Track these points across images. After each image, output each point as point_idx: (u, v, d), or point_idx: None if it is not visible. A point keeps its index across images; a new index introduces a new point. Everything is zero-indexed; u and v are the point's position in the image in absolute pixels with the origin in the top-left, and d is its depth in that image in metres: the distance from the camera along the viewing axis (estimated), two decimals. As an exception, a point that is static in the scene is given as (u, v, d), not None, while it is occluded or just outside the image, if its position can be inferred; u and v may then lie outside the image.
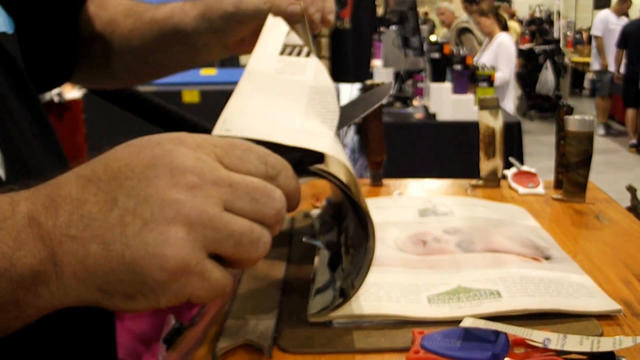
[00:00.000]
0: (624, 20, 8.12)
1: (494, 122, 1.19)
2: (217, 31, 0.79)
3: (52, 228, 0.46)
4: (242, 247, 0.49)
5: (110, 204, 0.46)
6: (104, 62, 0.90)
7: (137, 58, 0.89)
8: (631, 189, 1.30)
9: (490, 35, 5.59)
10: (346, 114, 0.70)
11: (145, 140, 0.50)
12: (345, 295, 0.66)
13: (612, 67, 8.14)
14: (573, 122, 1.08)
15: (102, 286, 0.47)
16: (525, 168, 1.22)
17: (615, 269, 0.81)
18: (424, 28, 5.22)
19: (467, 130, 3.60)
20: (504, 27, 5.59)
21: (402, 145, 3.64)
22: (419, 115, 4.07)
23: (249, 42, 0.79)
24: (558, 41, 11.67)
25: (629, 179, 1.77)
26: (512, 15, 13.58)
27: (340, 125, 0.67)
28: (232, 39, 0.81)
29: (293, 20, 0.75)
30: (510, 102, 5.17)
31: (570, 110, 1.14)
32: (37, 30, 0.80)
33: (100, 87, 1.00)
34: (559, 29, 13.76)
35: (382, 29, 4.73)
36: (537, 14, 15.32)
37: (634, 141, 7.92)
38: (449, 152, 3.77)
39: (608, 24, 8.33)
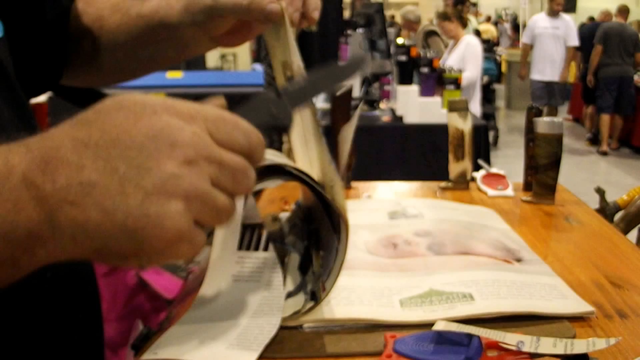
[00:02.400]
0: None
1: (463, 124, 1.19)
2: (200, 24, 0.79)
3: (51, 192, 0.46)
4: (220, 219, 0.52)
5: (111, 172, 0.47)
6: (93, 59, 0.90)
7: (126, 54, 0.89)
8: (600, 191, 1.31)
9: (455, 39, 5.61)
10: (316, 83, 0.68)
11: (140, 105, 0.51)
12: (316, 298, 0.65)
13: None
14: (542, 125, 1.08)
15: (99, 248, 0.48)
16: (494, 170, 1.22)
17: (586, 271, 0.81)
18: (391, 31, 5.23)
19: (434, 133, 3.60)
20: (477, 33, 5.61)
21: (368, 148, 3.63)
22: (386, 118, 4.06)
23: (236, 35, 0.81)
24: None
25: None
26: (488, 19, 13.68)
27: (308, 95, 0.66)
28: (216, 32, 0.80)
29: (272, 19, 0.74)
30: (476, 104, 5.19)
31: (539, 113, 1.14)
32: (27, 34, 0.80)
33: (90, 85, 0.98)
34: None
35: (348, 31, 4.72)
36: (504, 17, 15.44)
37: (589, 135, 8.11)
38: (416, 155, 3.76)
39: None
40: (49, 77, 0.88)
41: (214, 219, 0.52)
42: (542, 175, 1.10)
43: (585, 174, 6.43)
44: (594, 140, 8.06)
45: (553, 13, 7.21)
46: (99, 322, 0.83)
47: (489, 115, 7.34)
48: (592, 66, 7.82)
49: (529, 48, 7.35)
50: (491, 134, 7.51)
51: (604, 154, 7.56)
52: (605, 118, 7.63)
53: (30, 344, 0.66)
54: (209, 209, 0.51)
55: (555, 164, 1.09)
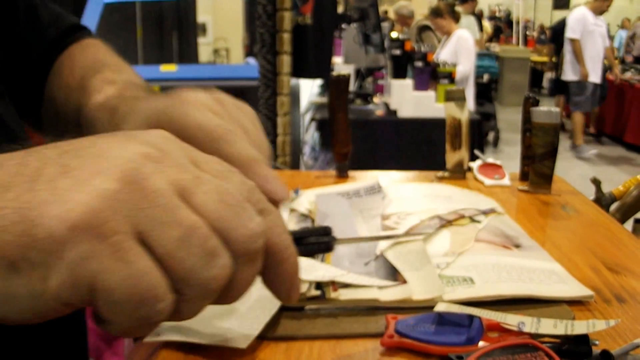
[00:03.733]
0: (602, 20, 7.57)
1: (460, 114, 1.19)
2: None
3: None
4: (188, 250, 0.37)
5: (33, 159, 0.38)
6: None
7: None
8: (595, 182, 1.32)
9: (447, 33, 5.63)
10: None
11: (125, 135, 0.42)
12: (321, 288, 0.65)
13: (593, 77, 7.52)
14: (539, 114, 1.09)
15: None
16: (490, 160, 1.23)
17: (584, 257, 0.82)
18: (385, 25, 5.24)
19: (429, 127, 3.62)
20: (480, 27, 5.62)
21: (363, 142, 3.64)
22: (379, 112, 4.07)
23: None
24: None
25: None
26: (481, 15, 13.71)
27: None
28: None
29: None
30: (470, 98, 5.21)
31: (536, 102, 1.15)
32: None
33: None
34: (518, 30, 13.92)
35: (343, 25, 4.73)
36: (497, 14, 15.50)
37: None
38: (410, 149, 3.78)
39: (587, 24, 7.49)
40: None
41: (175, 243, 0.37)
42: (538, 164, 1.10)
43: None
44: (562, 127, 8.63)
45: (600, 12, 7.34)
46: (83, 329, 0.78)
47: (489, 115, 7.31)
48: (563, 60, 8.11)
49: (580, 45, 7.36)
50: (491, 135, 7.51)
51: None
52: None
53: (14, 353, 0.60)
54: (164, 219, 0.37)
55: (552, 154, 1.09)
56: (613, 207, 1.30)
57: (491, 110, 7.80)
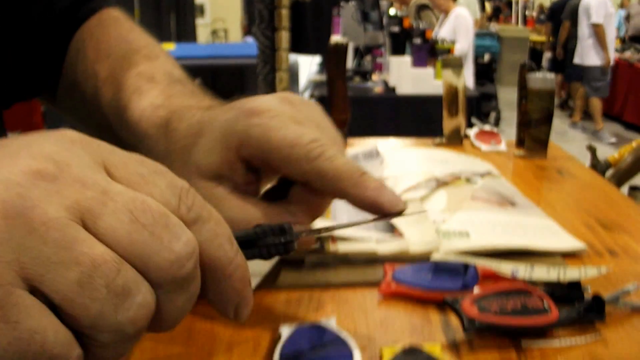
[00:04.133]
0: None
1: (457, 81, 1.21)
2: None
3: None
4: (90, 294, 0.30)
5: None
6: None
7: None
8: (591, 148, 1.33)
9: (445, 12, 5.62)
10: None
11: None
12: (320, 240, 0.67)
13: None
14: (535, 80, 1.10)
15: None
16: (487, 128, 1.24)
17: (578, 216, 0.83)
18: (383, 3, 5.23)
19: (427, 104, 3.62)
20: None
21: (361, 119, 3.65)
22: (378, 89, 4.08)
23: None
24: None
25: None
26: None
27: None
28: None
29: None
30: (469, 77, 5.21)
31: (531, 69, 1.16)
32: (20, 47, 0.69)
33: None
34: (517, 10, 13.88)
35: (341, 3, 4.73)
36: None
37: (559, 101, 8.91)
38: (409, 126, 3.79)
39: (607, 7, 7.37)
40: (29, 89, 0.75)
41: (74, 287, 0.29)
42: (534, 130, 1.11)
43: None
44: (562, 106, 9.06)
45: None
46: None
47: (490, 96, 7.28)
48: (561, 40, 8.47)
49: (604, 30, 7.30)
50: (492, 116, 7.50)
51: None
52: (576, 85, 7.87)
53: None
54: (58, 258, 0.29)
55: (547, 119, 1.11)
56: (608, 173, 1.32)
57: (492, 90, 7.78)
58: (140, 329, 0.32)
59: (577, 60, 7.66)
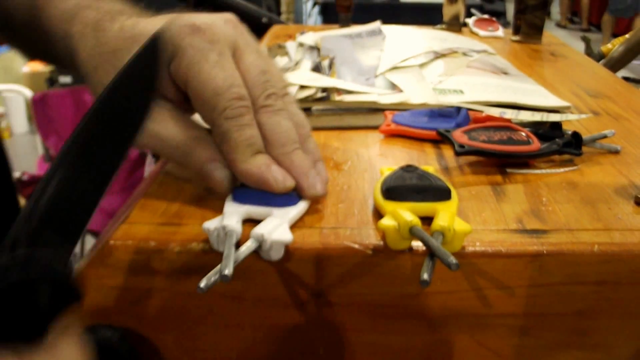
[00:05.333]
0: None
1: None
2: None
3: None
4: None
5: None
6: None
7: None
8: (585, 39, 1.38)
9: None
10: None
11: None
12: (326, 91, 0.73)
13: None
14: (533, -34, 1.14)
15: None
16: (486, 16, 1.29)
17: (566, 86, 0.89)
18: None
19: (430, 13, 3.63)
20: None
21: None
22: (381, -3, 4.08)
23: None
24: None
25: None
26: None
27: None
28: None
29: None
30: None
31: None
32: None
33: None
34: None
35: None
36: None
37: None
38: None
39: None
40: None
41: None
42: (530, 15, 1.16)
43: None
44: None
45: None
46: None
47: (498, 14, 7.15)
48: None
49: None
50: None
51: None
52: None
53: None
54: None
55: (543, 5, 1.16)
56: (601, 63, 1.37)
57: (501, 8, 7.66)
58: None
59: None
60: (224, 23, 0.50)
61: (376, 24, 1.08)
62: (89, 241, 2.57)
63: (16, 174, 2.34)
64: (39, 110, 2.39)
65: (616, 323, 0.48)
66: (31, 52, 0.70)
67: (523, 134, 0.60)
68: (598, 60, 1.36)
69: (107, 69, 0.50)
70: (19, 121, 5.00)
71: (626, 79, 1.38)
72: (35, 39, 0.60)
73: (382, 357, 0.49)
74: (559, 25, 7.90)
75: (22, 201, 2.16)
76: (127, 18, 0.52)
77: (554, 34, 1.26)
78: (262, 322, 0.48)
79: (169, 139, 0.48)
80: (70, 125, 2.30)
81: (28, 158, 4.22)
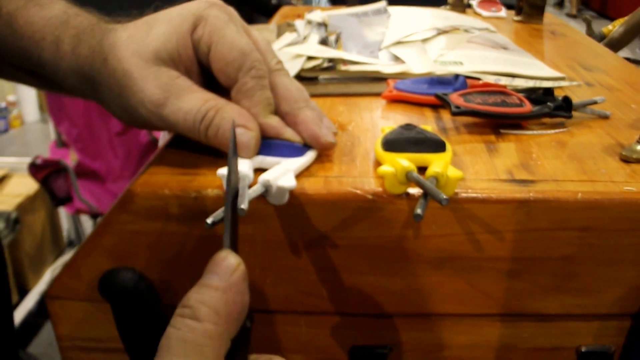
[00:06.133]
0: None
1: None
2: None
3: None
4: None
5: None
6: None
7: None
8: (586, 20, 1.41)
9: None
10: None
11: None
12: (332, 60, 0.77)
13: None
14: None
15: None
16: (490, -3, 1.32)
17: (563, 61, 0.93)
18: None
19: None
20: None
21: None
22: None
23: None
24: None
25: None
26: None
27: None
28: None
29: None
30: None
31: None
32: None
33: None
34: None
35: None
36: None
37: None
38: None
39: None
40: None
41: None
42: (532, -4, 1.20)
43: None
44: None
45: None
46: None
47: None
48: None
49: None
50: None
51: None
52: None
53: None
54: None
55: (544, -15, 1.19)
56: (602, 44, 1.40)
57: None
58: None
59: None
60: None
61: (382, 3, 1.11)
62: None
63: (30, 159, 2.39)
64: (51, 96, 2.43)
65: (600, 269, 0.52)
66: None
67: (516, 97, 0.64)
68: (599, 41, 1.39)
69: (133, 47, 0.52)
70: (31, 109, 5.06)
71: (627, 59, 1.41)
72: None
73: (382, 298, 0.53)
74: (569, 15, 7.89)
75: (36, 185, 2.19)
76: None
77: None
78: (271, 264, 0.52)
79: (193, 110, 0.51)
80: (82, 111, 2.33)
81: (40, 144, 4.28)
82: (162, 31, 0.51)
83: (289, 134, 0.52)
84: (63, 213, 2.78)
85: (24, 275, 2.54)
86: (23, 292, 2.50)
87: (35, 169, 2.37)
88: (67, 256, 2.79)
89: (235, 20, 0.53)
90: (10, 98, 4.90)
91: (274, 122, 0.52)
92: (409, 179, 0.47)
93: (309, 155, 0.52)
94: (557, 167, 0.54)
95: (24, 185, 2.62)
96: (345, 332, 0.55)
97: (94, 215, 2.49)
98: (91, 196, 2.40)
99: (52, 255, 2.77)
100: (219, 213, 0.43)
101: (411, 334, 0.56)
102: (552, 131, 0.63)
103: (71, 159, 2.38)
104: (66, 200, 2.42)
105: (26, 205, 2.55)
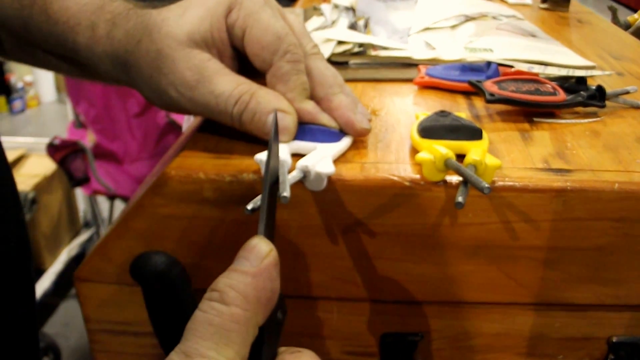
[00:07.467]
0: None
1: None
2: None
3: None
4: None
5: None
6: None
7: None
8: (612, 9, 1.40)
9: None
10: None
11: None
12: (362, 45, 0.76)
13: None
14: None
15: None
16: (515, -15, 1.31)
17: (592, 50, 0.92)
18: None
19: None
20: None
21: None
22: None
23: None
24: None
25: None
26: None
27: None
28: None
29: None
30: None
31: None
32: None
33: None
34: None
35: None
36: None
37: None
38: None
39: None
40: None
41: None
42: (559, -17, 1.19)
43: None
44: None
45: None
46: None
47: None
48: None
49: None
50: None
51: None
52: None
53: None
54: None
55: (571, -27, 1.18)
56: (627, 32, 1.39)
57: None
58: None
59: None
60: None
61: (409, -12, 1.11)
62: (119, 206, 2.63)
63: (47, 139, 2.40)
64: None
65: (634, 260, 0.52)
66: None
67: (549, 86, 0.63)
68: (625, 30, 1.37)
69: (166, 30, 0.51)
70: (47, 90, 5.07)
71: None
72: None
73: (415, 285, 0.53)
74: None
75: (53, 165, 2.20)
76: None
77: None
78: (305, 250, 0.52)
79: (225, 93, 0.51)
80: (100, 93, 2.34)
81: (57, 125, 4.29)
82: (196, 14, 0.51)
83: (325, 119, 0.52)
84: (80, 194, 2.80)
85: (41, 256, 2.56)
86: (39, 272, 2.52)
87: (53, 149, 2.38)
88: (83, 237, 2.81)
89: (270, 4, 0.52)
90: (27, 78, 4.92)
91: (309, 107, 0.52)
92: (448, 167, 0.47)
93: (345, 141, 0.52)
94: (592, 157, 0.53)
95: (42, 166, 2.63)
96: (377, 318, 0.55)
97: (110, 197, 2.50)
98: (108, 177, 2.41)
99: (68, 235, 2.79)
100: (259, 199, 0.42)
101: (443, 322, 0.56)
102: (586, 120, 0.62)
103: (89, 139, 2.39)
104: (83, 181, 2.42)
105: (43, 186, 2.57)
